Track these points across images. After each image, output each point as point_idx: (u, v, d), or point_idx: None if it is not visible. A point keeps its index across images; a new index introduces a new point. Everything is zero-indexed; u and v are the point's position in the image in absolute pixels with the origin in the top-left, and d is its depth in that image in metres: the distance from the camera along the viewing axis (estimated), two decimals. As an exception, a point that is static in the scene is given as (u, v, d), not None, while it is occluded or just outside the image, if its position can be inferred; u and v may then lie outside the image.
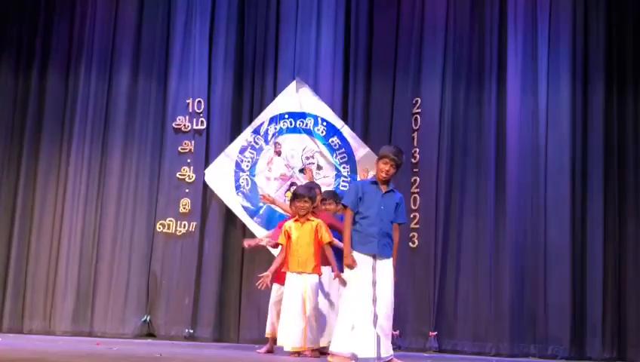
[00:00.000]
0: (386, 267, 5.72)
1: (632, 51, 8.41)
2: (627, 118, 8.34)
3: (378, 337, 5.51)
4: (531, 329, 7.99)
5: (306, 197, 6.61)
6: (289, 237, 6.59)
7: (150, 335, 8.45)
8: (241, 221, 8.60)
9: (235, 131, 8.82)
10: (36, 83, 8.96)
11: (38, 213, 8.72)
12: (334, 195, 7.15)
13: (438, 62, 8.56)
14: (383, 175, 5.79)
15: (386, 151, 5.84)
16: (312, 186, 7.08)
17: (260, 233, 8.44)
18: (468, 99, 8.56)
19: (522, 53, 8.46)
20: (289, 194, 8.44)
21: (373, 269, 5.67)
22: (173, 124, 8.81)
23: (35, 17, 9.09)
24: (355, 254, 5.68)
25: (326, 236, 6.50)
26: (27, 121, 8.91)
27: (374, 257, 5.69)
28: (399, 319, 7.54)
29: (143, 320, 8.50)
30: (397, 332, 7.66)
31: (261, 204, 8.51)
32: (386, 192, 5.82)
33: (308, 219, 6.59)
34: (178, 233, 8.60)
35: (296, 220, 6.65)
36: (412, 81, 8.61)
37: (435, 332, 7.97)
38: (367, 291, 5.61)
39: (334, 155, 8.57)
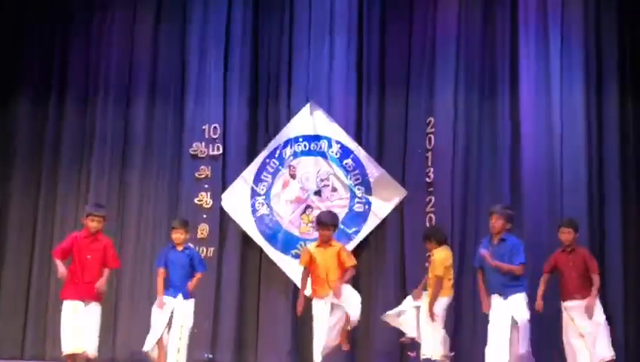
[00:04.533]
0: None
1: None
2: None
3: None
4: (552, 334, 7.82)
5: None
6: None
7: (171, 359, 8.50)
8: (258, 245, 8.65)
9: (251, 155, 8.88)
10: (54, 113, 9.23)
11: (57, 241, 8.83)
12: None
13: (450, 77, 8.50)
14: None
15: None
16: (334, 213, 7.52)
17: (278, 257, 8.50)
18: (481, 113, 8.48)
19: (535, 62, 8.34)
20: (305, 217, 8.52)
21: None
22: (190, 150, 8.92)
23: (52, 48, 9.34)
24: None
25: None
26: (45, 151, 9.18)
27: None
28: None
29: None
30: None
31: (277, 228, 8.56)
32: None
33: (330, 245, 7.05)
34: (196, 258, 8.69)
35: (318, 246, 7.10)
36: (425, 97, 8.57)
37: (452, 353, 7.81)
38: None
39: (349, 177, 8.58)
